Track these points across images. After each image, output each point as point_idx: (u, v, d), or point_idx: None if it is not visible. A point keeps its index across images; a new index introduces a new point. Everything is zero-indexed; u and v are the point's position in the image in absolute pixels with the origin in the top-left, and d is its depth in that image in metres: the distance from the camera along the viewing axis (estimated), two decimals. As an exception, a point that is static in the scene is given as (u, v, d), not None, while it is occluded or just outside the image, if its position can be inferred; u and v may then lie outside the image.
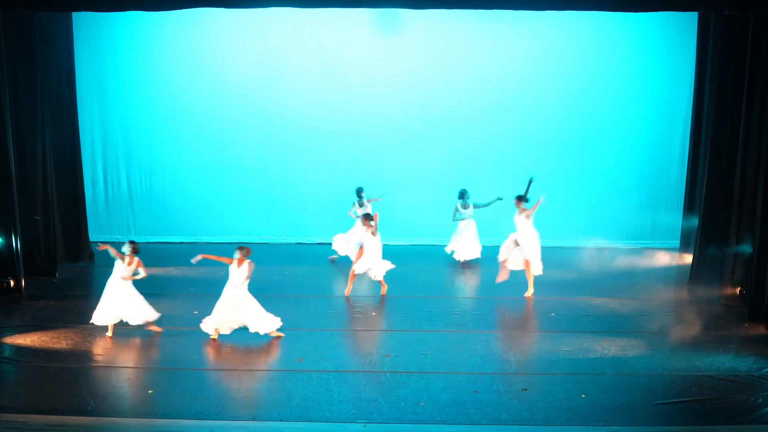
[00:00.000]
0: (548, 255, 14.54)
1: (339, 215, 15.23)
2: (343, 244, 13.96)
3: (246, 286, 10.14)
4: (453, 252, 14.18)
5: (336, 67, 15.09)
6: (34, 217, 12.69)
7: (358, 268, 11.97)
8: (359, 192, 13.89)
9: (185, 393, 8.60)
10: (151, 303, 11.54)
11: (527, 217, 12.03)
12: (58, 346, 9.94)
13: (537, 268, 12.16)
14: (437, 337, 10.35)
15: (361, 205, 13.78)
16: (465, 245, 14.00)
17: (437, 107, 15.25)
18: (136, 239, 15.41)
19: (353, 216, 13.87)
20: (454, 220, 13.98)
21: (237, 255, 10.05)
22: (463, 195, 14.03)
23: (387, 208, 14.66)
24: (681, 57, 14.56)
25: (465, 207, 14.02)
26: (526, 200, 12.10)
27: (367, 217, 12.00)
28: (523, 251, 12.08)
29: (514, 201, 12.22)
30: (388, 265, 12.02)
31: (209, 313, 11.16)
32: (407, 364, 9.49)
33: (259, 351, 9.95)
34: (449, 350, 9.85)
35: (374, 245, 11.90)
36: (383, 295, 11.93)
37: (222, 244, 15.22)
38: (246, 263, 10.09)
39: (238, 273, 10.06)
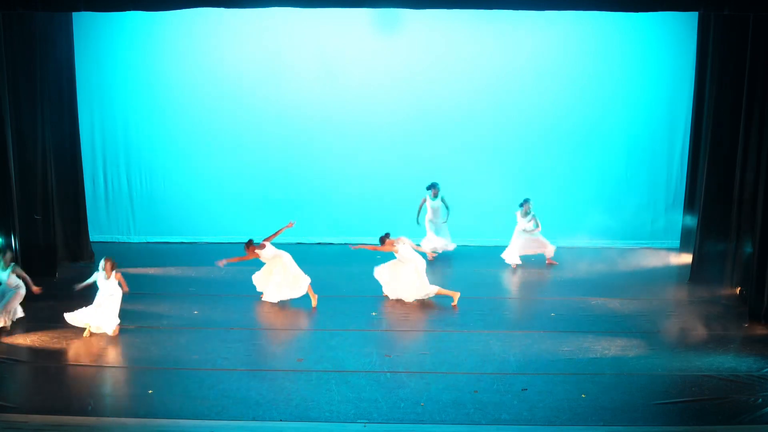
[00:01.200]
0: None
1: (338, 215, 15.27)
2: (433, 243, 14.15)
3: (119, 294, 10.38)
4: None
5: (336, 67, 15.08)
6: (34, 216, 12.69)
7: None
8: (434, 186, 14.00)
9: (185, 393, 8.61)
10: (151, 303, 11.61)
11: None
12: (58, 346, 9.94)
13: (428, 291, 11.81)
14: (437, 337, 10.35)
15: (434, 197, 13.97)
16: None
17: (437, 107, 15.22)
18: (136, 239, 15.56)
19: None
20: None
21: (103, 266, 10.33)
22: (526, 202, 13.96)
23: (387, 207, 14.72)
24: (681, 57, 14.55)
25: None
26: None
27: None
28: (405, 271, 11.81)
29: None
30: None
31: (209, 313, 11.21)
32: (407, 364, 9.49)
33: (259, 351, 9.95)
34: (449, 350, 9.86)
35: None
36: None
37: (222, 244, 15.27)
38: (114, 275, 10.32)
39: (109, 284, 10.30)
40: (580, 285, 12.81)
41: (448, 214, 14.10)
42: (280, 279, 11.57)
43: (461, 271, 13.72)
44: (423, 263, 11.87)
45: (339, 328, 10.75)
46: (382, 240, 11.80)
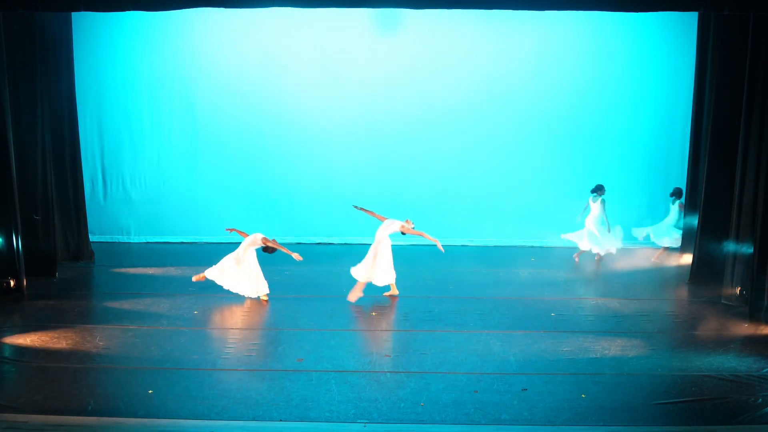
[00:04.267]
0: (549, 254, 14.64)
1: (338, 215, 15.26)
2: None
3: None
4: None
5: (336, 67, 15.11)
6: (34, 217, 12.68)
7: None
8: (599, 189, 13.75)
9: (185, 393, 8.60)
10: (151, 303, 11.59)
11: (405, 231, 11.88)
12: (58, 346, 9.93)
13: (384, 279, 11.89)
14: (437, 337, 10.34)
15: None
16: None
17: (437, 107, 15.26)
18: (136, 239, 15.58)
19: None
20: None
21: None
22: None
23: (386, 208, 14.70)
24: (681, 57, 14.56)
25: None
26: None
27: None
28: (375, 260, 11.82)
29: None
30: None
31: (208, 313, 11.20)
32: (407, 364, 9.48)
33: (259, 351, 9.95)
34: (449, 350, 9.85)
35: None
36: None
37: (222, 244, 15.25)
38: None
39: None
40: (580, 285, 12.81)
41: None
42: (242, 273, 11.64)
43: (462, 271, 13.73)
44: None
45: (339, 328, 10.75)
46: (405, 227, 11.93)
